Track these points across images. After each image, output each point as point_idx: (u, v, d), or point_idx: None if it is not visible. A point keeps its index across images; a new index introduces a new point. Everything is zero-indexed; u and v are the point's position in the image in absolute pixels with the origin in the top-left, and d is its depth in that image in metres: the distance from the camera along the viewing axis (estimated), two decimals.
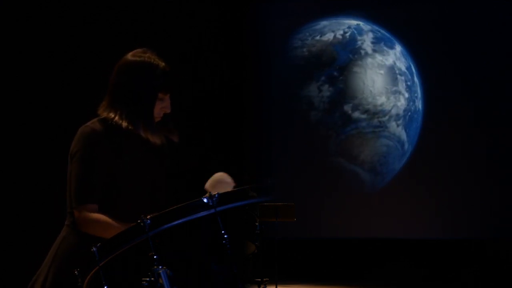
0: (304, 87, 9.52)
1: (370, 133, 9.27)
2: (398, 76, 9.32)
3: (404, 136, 9.29)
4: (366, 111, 9.26)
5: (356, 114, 9.27)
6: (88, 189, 2.68)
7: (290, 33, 9.88)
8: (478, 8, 9.15)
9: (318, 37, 9.62)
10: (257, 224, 2.44)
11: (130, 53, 2.82)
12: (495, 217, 8.92)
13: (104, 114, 2.77)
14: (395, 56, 9.37)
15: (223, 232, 2.20)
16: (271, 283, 7.05)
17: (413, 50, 9.44)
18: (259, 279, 7.05)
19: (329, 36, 9.60)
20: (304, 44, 9.67)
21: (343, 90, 9.43)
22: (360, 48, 9.43)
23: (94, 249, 2.25)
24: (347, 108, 9.33)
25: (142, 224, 2.16)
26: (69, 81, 6.99)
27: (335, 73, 9.38)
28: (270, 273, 7.09)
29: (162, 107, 2.80)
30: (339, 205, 9.48)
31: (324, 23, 9.68)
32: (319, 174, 9.59)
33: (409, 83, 9.36)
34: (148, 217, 2.18)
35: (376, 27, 9.56)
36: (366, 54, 9.39)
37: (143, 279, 2.15)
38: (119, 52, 2.96)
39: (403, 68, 9.36)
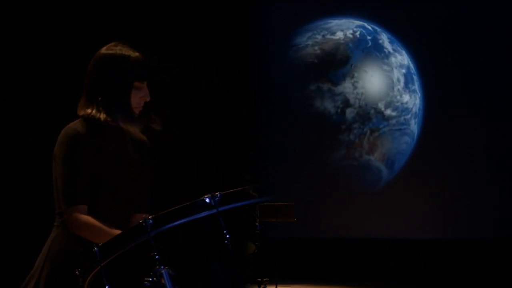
0: (339, 84, 9.57)
1: (397, 130, 9.39)
2: (413, 76, 9.43)
3: (416, 133, 9.41)
4: (395, 109, 9.38)
5: (388, 112, 9.38)
6: (75, 190, 2.67)
7: (292, 33, 9.87)
8: (478, 7, 9.15)
9: (328, 36, 9.65)
10: (257, 224, 2.44)
11: (103, 48, 2.83)
12: (495, 217, 8.93)
13: (82, 112, 2.77)
14: (407, 56, 9.47)
15: (225, 232, 2.20)
16: (271, 283, 7.05)
17: (413, 50, 9.46)
18: (259, 279, 7.05)
19: (339, 35, 9.64)
20: (315, 43, 9.70)
21: (375, 88, 9.50)
22: (382, 47, 9.50)
23: (95, 249, 2.25)
24: (381, 105, 9.43)
25: (144, 224, 2.16)
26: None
27: (366, 70, 9.46)
28: (270, 273, 7.09)
29: (141, 96, 2.79)
30: (339, 205, 9.48)
31: (333, 22, 9.71)
32: (322, 174, 9.60)
33: (418, 82, 9.44)
34: (150, 217, 2.18)
35: (378, 28, 9.58)
36: (389, 53, 9.47)
37: (145, 279, 2.16)
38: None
39: (414, 68, 9.45)
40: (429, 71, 9.39)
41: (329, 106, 9.63)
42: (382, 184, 9.46)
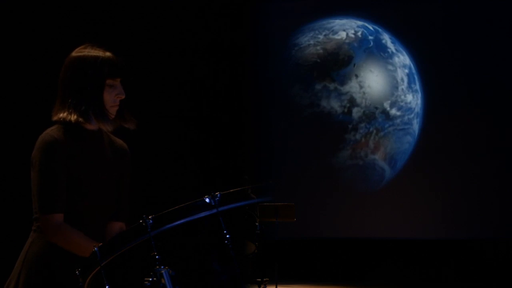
0: (345, 84, 9.58)
1: (401, 130, 9.41)
2: (415, 76, 9.45)
3: (417, 133, 9.42)
4: (400, 109, 9.40)
5: (393, 111, 9.40)
6: (51, 199, 2.65)
7: (293, 32, 9.87)
8: (478, 7, 9.16)
9: (330, 35, 9.65)
10: (257, 224, 2.44)
11: (73, 51, 2.82)
12: (495, 217, 8.92)
13: (55, 117, 2.75)
14: (408, 56, 9.50)
15: (225, 232, 2.20)
16: (271, 283, 7.06)
17: (413, 50, 9.47)
18: (259, 279, 7.06)
19: (342, 35, 9.65)
20: (317, 42, 9.70)
21: (380, 87, 9.52)
22: (385, 46, 9.51)
23: (95, 249, 2.25)
24: (386, 105, 9.44)
25: (144, 224, 2.16)
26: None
27: (371, 70, 9.48)
28: (270, 273, 7.09)
29: (116, 94, 2.77)
30: (340, 205, 9.48)
31: (335, 21, 9.71)
32: (324, 174, 9.60)
33: (419, 82, 9.46)
34: (150, 217, 2.18)
35: (379, 28, 9.59)
36: (393, 53, 9.49)
37: (145, 279, 2.16)
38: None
39: (414, 68, 9.47)
40: (430, 71, 9.39)
41: (335, 105, 9.63)
42: (383, 184, 9.46)
